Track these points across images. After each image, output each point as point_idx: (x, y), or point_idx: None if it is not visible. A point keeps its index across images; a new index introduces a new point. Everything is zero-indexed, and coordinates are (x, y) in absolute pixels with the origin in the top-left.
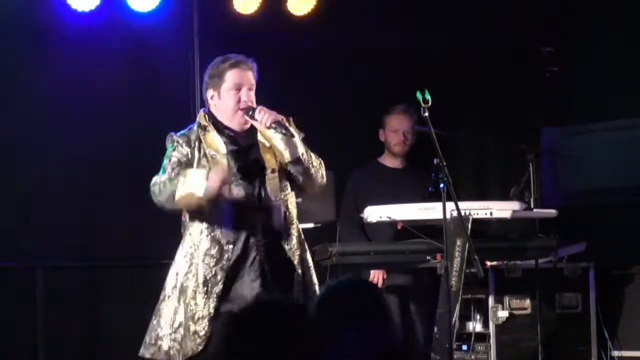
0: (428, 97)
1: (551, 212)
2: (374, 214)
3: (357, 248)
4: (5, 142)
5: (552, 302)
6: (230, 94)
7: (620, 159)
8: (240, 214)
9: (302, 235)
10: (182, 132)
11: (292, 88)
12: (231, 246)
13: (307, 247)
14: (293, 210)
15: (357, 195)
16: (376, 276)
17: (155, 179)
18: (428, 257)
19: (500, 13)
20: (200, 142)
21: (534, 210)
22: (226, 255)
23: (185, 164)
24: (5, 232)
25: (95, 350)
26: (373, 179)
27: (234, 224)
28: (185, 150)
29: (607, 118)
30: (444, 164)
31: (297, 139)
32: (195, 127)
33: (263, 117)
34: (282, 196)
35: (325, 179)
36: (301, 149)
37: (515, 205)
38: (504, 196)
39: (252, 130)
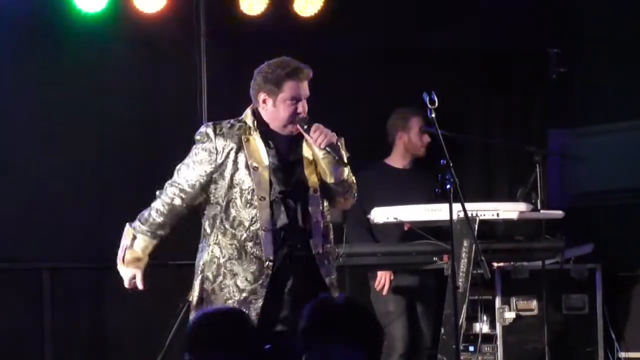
0: (435, 98)
1: (558, 213)
2: (380, 215)
3: (364, 249)
4: (11, 143)
5: (559, 303)
6: (287, 104)
7: (627, 161)
8: (282, 237)
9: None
10: (225, 125)
11: None
12: (271, 264)
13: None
14: (331, 230)
15: (364, 197)
16: (383, 277)
17: (165, 190)
18: (435, 258)
19: (507, 14)
20: (239, 150)
21: (541, 211)
22: (266, 272)
23: (206, 175)
24: (11, 234)
25: (101, 351)
26: (380, 180)
27: (275, 242)
28: (214, 149)
29: (614, 119)
30: (451, 164)
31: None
32: (237, 125)
33: (319, 138)
34: (323, 216)
35: (355, 198)
36: (346, 172)
37: (522, 206)
38: (511, 197)
39: (298, 140)
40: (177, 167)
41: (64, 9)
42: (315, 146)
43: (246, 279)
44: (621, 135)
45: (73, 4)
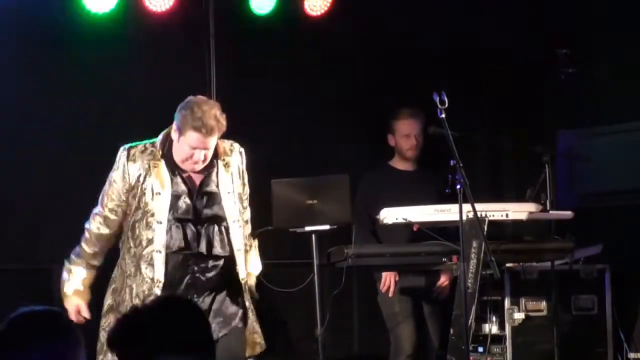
0: (445, 98)
1: (567, 214)
2: (390, 215)
3: (373, 250)
4: (21, 142)
5: (568, 304)
6: (185, 148)
7: (637, 161)
8: (181, 260)
9: (249, 286)
10: (139, 149)
11: (307, 89)
12: (160, 284)
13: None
14: (243, 260)
15: (368, 199)
16: (388, 278)
17: (90, 220)
18: (444, 259)
19: (516, 14)
20: (147, 175)
21: (550, 212)
22: (154, 293)
23: (124, 199)
24: (21, 233)
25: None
26: (384, 182)
27: (167, 265)
28: (128, 174)
29: (623, 120)
30: (461, 165)
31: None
32: (149, 150)
33: None
34: (240, 244)
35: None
36: None
37: (531, 207)
38: (520, 198)
39: (211, 173)
40: (100, 195)
41: (73, 9)
42: None
43: (138, 297)
44: (631, 135)
45: (82, 4)
